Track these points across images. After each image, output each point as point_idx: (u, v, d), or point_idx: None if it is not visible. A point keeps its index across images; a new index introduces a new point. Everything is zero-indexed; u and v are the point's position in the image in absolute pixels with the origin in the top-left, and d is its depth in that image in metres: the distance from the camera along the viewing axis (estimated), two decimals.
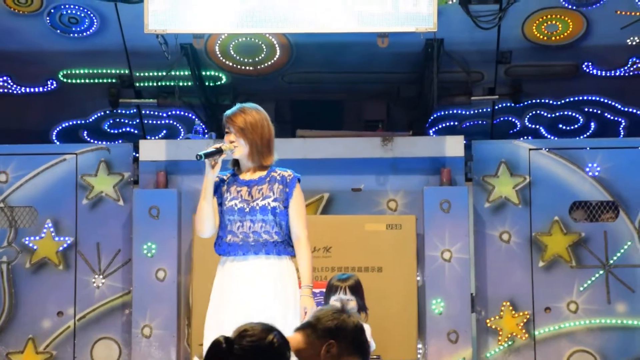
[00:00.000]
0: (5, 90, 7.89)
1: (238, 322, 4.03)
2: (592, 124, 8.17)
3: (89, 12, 7.32)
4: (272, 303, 4.72)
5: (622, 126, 8.12)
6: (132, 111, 8.06)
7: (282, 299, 4.77)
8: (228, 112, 4.97)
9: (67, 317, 7.09)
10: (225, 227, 4.86)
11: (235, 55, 7.55)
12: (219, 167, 4.82)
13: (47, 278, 7.13)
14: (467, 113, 8.07)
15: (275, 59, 7.59)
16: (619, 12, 7.29)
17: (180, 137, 8.00)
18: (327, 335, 3.54)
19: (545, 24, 7.39)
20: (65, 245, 7.15)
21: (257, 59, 7.59)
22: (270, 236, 4.81)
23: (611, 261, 7.08)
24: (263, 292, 4.73)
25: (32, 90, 7.91)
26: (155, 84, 7.71)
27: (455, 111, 8.04)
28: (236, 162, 4.96)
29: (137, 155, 7.20)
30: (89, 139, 8.21)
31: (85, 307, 7.09)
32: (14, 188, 7.19)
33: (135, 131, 8.22)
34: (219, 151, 4.80)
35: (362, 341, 3.63)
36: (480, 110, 8.05)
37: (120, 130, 8.24)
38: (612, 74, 7.77)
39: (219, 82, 7.84)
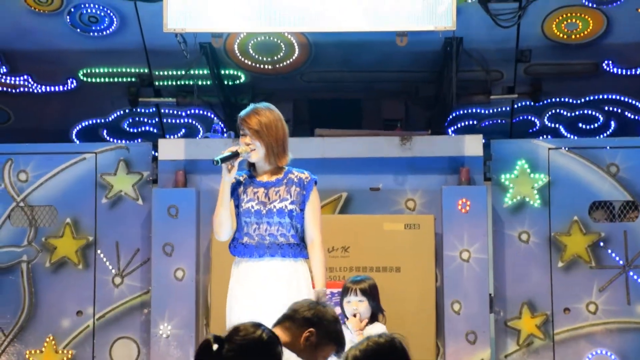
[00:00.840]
0: (26, 90, 7.93)
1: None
2: (612, 122, 8.11)
3: (108, 11, 7.34)
4: (286, 305, 4.73)
5: None
6: (151, 110, 8.08)
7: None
8: (242, 113, 4.97)
9: (87, 316, 7.12)
10: (241, 228, 4.86)
11: (254, 54, 7.55)
12: (236, 170, 4.83)
13: (67, 277, 7.17)
14: (486, 112, 8.04)
15: (294, 57, 7.59)
16: (639, 10, 7.23)
17: (199, 136, 8.02)
18: (306, 325, 3.66)
19: (565, 22, 7.35)
20: (84, 244, 7.17)
21: (275, 58, 7.59)
22: (286, 239, 4.82)
23: (631, 262, 7.03)
24: (277, 294, 4.73)
25: (52, 89, 7.94)
26: (174, 83, 7.72)
27: (474, 110, 8.01)
28: (252, 163, 4.97)
29: (156, 154, 7.22)
30: (108, 138, 8.24)
31: (104, 306, 7.12)
32: (34, 187, 7.23)
33: (155, 130, 8.24)
34: (235, 155, 4.81)
35: (338, 330, 3.80)
36: (499, 109, 8.01)
37: (139, 129, 8.27)
38: (633, 73, 7.71)
39: (237, 81, 7.84)
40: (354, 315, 5.48)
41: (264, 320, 4.31)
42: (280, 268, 4.81)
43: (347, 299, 5.52)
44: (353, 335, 5.34)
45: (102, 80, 7.86)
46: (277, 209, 4.83)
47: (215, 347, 3.15)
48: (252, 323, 3.29)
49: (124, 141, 7.56)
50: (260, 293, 4.75)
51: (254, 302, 4.73)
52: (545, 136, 7.95)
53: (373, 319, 5.52)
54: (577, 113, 8.08)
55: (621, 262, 7.05)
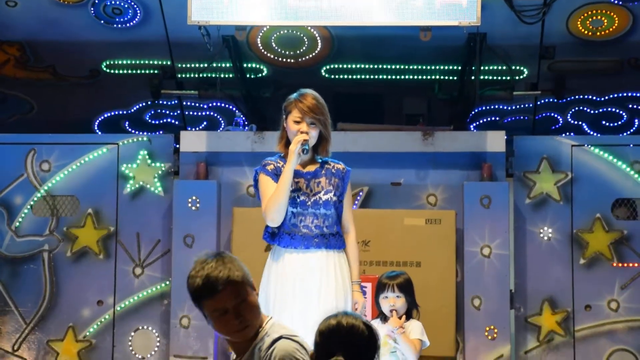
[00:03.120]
0: (49, 80, 7.96)
1: (306, 316, 4.14)
2: (636, 120, 8.07)
3: (132, 3, 7.36)
4: (334, 296, 4.77)
5: None
6: (173, 102, 8.10)
7: (342, 293, 4.83)
8: (298, 97, 4.90)
9: (107, 306, 7.15)
10: (288, 219, 4.83)
11: (276, 48, 7.55)
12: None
13: (88, 267, 7.20)
14: (509, 108, 8.01)
15: (316, 51, 7.58)
16: None
17: (221, 129, 8.03)
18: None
19: (590, 19, 7.31)
20: (105, 234, 7.20)
21: (298, 52, 7.59)
22: (332, 230, 4.84)
23: None
24: (327, 285, 4.77)
25: (75, 80, 7.97)
26: (196, 76, 7.73)
27: (496, 106, 7.99)
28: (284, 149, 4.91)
29: (178, 146, 7.23)
30: (130, 130, 8.27)
31: (124, 296, 7.15)
32: (57, 177, 7.26)
33: (176, 122, 8.26)
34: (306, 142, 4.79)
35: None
36: (522, 106, 7.99)
37: (161, 121, 8.29)
38: None
39: (260, 75, 7.85)
40: (391, 312, 5.42)
41: (316, 312, 4.40)
42: (326, 259, 4.83)
43: (384, 295, 5.46)
44: (392, 332, 5.28)
45: (125, 71, 7.89)
46: (323, 200, 4.83)
47: None
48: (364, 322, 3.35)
49: (145, 133, 7.58)
50: (312, 285, 4.76)
51: (304, 294, 4.74)
52: (568, 133, 7.92)
53: (408, 314, 5.49)
54: (600, 110, 8.04)
55: None
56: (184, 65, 7.76)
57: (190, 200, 6.99)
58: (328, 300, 4.72)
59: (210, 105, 8.06)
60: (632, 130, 8.07)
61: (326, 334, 3.31)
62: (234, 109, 7.93)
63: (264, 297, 4.80)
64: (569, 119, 8.12)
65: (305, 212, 4.82)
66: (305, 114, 4.84)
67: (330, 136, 5.00)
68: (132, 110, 8.21)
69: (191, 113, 8.16)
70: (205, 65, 7.54)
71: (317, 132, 4.88)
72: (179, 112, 8.16)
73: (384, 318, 5.44)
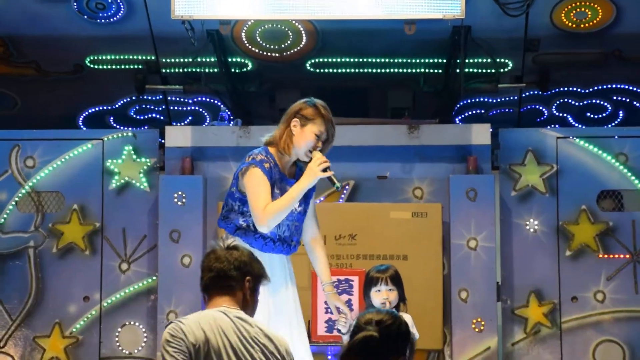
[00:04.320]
0: (33, 76, 7.92)
1: (287, 317, 4.13)
2: (621, 112, 8.10)
3: None
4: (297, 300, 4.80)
5: None
6: (158, 97, 8.07)
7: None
8: (324, 110, 4.76)
9: (93, 302, 7.13)
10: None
11: (261, 42, 7.54)
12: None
13: (74, 263, 7.17)
14: (494, 101, 8.02)
15: (301, 45, 7.57)
16: None
17: (206, 124, 8.01)
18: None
19: (574, 11, 7.33)
20: (91, 230, 7.17)
21: (283, 46, 7.58)
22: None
23: None
24: (294, 289, 4.78)
25: (59, 75, 7.93)
26: (181, 70, 7.71)
27: (481, 99, 8.00)
28: (273, 148, 4.78)
29: (163, 141, 7.21)
30: (115, 125, 8.24)
31: (111, 292, 7.13)
32: (41, 173, 7.23)
33: (161, 117, 8.24)
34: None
35: None
36: (507, 99, 8.00)
37: (146, 116, 8.27)
38: None
39: (245, 69, 7.83)
40: (384, 305, 5.41)
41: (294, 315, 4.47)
42: (288, 264, 4.84)
43: (377, 289, 5.41)
44: None
45: (109, 67, 7.86)
46: (303, 212, 4.80)
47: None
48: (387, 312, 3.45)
49: (130, 128, 7.55)
50: (288, 289, 4.77)
51: (287, 297, 4.74)
52: (553, 125, 7.94)
53: (396, 308, 5.47)
54: (585, 102, 8.07)
55: (629, 251, 7.03)
56: (168, 60, 7.73)
57: (176, 195, 6.97)
58: (297, 304, 4.80)
59: (195, 100, 8.04)
60: (616, 122, 8.11)
61: (363, 322, 3.41)
62: (219, 103, 7.91)
63: None
64: (554, 111, 8.15)
65: (291, 223, 4.79)
66: (330, 130, 4.74)
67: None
68: (117, 106, 8.19)
69: (176, 108, 8.14)
70: (190, 60, 7.53)
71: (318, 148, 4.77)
72: (163, 107, 8.14)
73: None
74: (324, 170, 4.62)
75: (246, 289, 3.77)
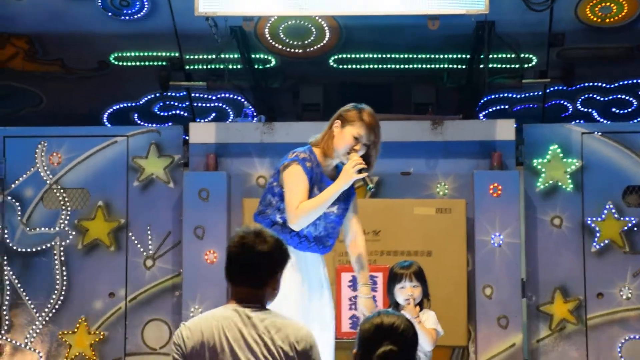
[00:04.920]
0: (58, 73, 7.96)
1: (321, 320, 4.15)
2: None
3: None
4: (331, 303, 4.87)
5: None
6: (182, 94, 8.10)
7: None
8: (366, 113, 4.78)
9: (119, 298, 7.16)
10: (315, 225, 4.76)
11: (284, 38, 7.54)
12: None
13: (99, 259, 7.21)
14: (518, 96, 7.99)
15: (324, 41, 7.57)
16: None
17: (230, 120, 8.02)
18: None
19: (599, 6, 7.28)
20: (116, 227, 7.21)
21: (306, 42, 7.58)
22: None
23: None
24: (329, 291, 4.85)
25: (83, 73, 7.97)
26: (205, 67, 7.73)
27: (506, 94, 7.97)
28: (317, 149, 4.81)
29: (187, 137, 7.23)
30: (139, 122, 8.27)
31: (136, 288, 7.16)
32: (67, 170, 7.27)
33: (185, 114, 8.26)
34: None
35: None
36: (531, 94, 7.97)
37: (170, 113, 8.29)
38: None
39: (268, 65, 7.84)
40: (408, 301, 5.39)
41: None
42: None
43: (401, 285, 5.40)
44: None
45: (133, 64, 7.89)
46: (339, 214, 4.82)
47: None
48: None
49: (154, 125, 7.58)
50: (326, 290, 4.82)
51: (322, 300, 4.77)
52: (577, 121, 7.89)
53: (420, 304, 5.46)
54: (610, 97, 8.02)
55: None
56: (192, 57, 7.75)
57: (200, 191, 6.99)
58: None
59: (218, 96, 8.06)
60: None
61: (371, 330, 3.46)
62: (243, 100, 7.93)
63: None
64: (579, 107, 8.10)
65: (327, 223, 4.83)
66: (368, 135, 4.74)
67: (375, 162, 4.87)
68: (141, 102, 8.22)
69: (200, 104, 8.16)
70: (214, 56, 7.54)
71: (363, 153, 4.77)
72: (187, 103, 8.16)
73: (397, 308, 5.41)
74: (359, 171, 4.62)
75: (276, 283, 3.77)
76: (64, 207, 7.25)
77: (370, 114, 4.78)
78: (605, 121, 8.02)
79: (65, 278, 7.18)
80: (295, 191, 4.61)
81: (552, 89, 7.90)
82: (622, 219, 7.01)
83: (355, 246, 4.92)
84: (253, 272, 3.71)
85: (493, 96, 7.95)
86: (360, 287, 4.89)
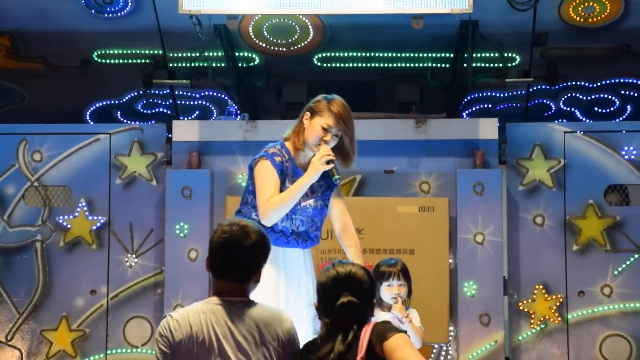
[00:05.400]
0: (40, 70, 7.93)
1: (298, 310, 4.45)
2: (629, 107, 8.08)
3: None
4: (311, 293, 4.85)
5: None
6: (165, 92, 8.09)
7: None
8: (333, 103, 4.74)
9: (100, 295, 7.14)
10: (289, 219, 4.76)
11: (268, 37, 7.54)
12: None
13: (81, 257, 7.18)
14: (502, 95, 8.01)
15: (308, 40, 7.57)
16: None
17: (213, 118, 8.01)
18: None
19: (582, 6, 7.31)
20: (98, 224, 7.19)
21: (290, 40, 7.58)
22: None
23: None
24: (309, 283, 4.83)
25: (66, 70, 7.95)
26: (188, 65, 7.72)
27: (489, 94, 7.98)
28: (290, 143, 4.81)
29: (170, 135, 7.22)
30: (122, 119, 8.25)
31: (118, 286, 7.14)
32: (48, 167, 7.24)
33: (168, 112, 8.24)
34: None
35: None
36: (514, 93, 7.99)
37: (153, 111, 8.28)
38: None
39: (252, 63, 7.83)
40: (395, 300, 5.37)
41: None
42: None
43: (388, 283, 5.38)
44: (400, 320, 5.24)
45: (116, 61, 7.87)
46: (318, 207, 4.80)
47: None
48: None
49: (137, 122, 7.56)
50: (304, 281, 4.83)
51: (299, 290, 4.77)
52: (560, 120, 7.92)
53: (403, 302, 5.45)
54: (593, 97, 8.05)
55: (636, 245, 7.01)
56: (175, 55, 7.74)
57: (183, 189, 6.98)
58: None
59: (202, 94, 8.05)
60: (624, 117, 8.08)
61: (329, 283, 3.64)
62: (226, 98, 7.92)
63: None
64: (562, 106, 8.13)
65: (306, 218, 4.81)
66: (338, 125, 4.72)
67: (355, 152, 4.86)
68: (124, 100, 8.20)
69: (183, 102, 8.15)
70: (197, 54, 7.53)
71: (334, 144, 4.75)
72: (171, 101, 8.14)
73: (380, 305, 5.39)
74: (328, 162, 4.63)
75: (259, 274, 3.77)
76: (45, 205, 7.22)
77: (340, 104, 4.77)
78: (587, 120, 8.05)
79: (46, 275, 7.16)
80: (264, 186, 4.63)
81: (535, 88, 7.93)
82: (603, 217, 7.04)
83: (346, 234, 4.93)
84: (239, 266, 3.71)
85: (476, 95, 7.97)
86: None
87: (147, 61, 7.83)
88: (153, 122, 8.01)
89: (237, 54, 7.70)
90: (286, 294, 4.66)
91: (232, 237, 3.70)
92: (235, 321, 3.62)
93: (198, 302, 3.74)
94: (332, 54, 7.78)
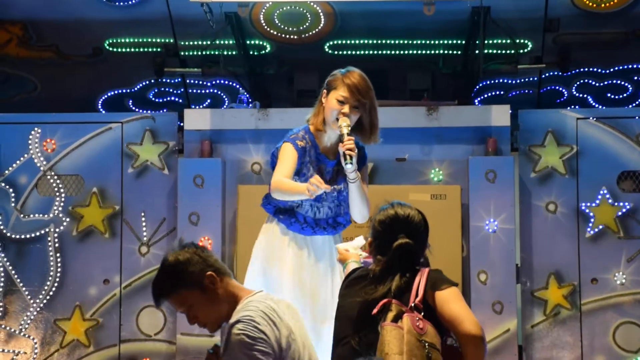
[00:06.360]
0: (52, 59, 7.94)
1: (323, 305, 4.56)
2: None
3: None
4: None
5: None
6: (176, 80, 8.08)
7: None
8: (346, 74, 4.61)
9: (113, 284, 7.16)
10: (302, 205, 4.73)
11: (279, 24, 7.52)
12: None
13: (93, 246, 7.20)
14: (514, 82, 7.97)
15: (319, 27, 7.55)
16: None
17: (225, 107, 8.01)
18: None
19: None
20: (110, 213, 7.20)
21: (301, 28, 7.56)
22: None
23: None
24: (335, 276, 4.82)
25: (78, 59, 7.95)
26: (199, 53, 7.71)
27: (501, 80, 7.95)
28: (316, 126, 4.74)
29: (182, 124, 7.22)
30: (133, 108, 8.25)
31: (130, 275, 7.16)
32: (61, 156, 7.26)
33: (180, 100, 8.24)
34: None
35: None
36: (526, 79, 7.95)
37: (165, 99, 8.27)
38: None
39: (263, 51, 7.82)
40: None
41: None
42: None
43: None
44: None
45: (128, 50, 7.87)
46: (342, 190, 4.78)
47: None
48: None
49: (149, 111, 7.56)
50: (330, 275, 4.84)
51: (326, 283, 4.78)
52: (573, 106, 7.88)
53: None
54: (605, 83, 8.00)
55: None
56: (187, 43, 7.73)
57: (195, 178, 6.99)
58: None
59: (213, 82, 8.04)
60: (637, 103, 8.03)
61: (387, 222, 3.79)
62: (238, 86, 7.91)
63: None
64: (574, 92, 8.09)
65: (323, 205, 4.79)
66: (353, 95, 4.56)
67: (378, 125, 4.75)
68: (136, 89, 8.20)
69: (195, 91, 8.15)
70: (208, 42, 7.52)
71: (357, 117, 4.64)
72: (182, 90, 8.14)
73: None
74: (344, 155, 4.55)
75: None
76: (58, 194, 7.24)
77: (354, 74, 4.62)
78: (600, 106, 8.01)
79: (59, 265, 7.18)
80: (281, 165, 4.63)
81: (547, 74, 7.89)
82: (616, 204, 7.01)
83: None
84: None
85: (488, 82, 7.94)
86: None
87: (159, 49, 7.83)
88: (165, 110, 8.01)
89: (248, 42, 7.69)
90: (310, 285, 4.66)
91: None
92: (286, 313, 3.84)
93: (254, 298, 3.76)
94: (343, 42, 7.75)
